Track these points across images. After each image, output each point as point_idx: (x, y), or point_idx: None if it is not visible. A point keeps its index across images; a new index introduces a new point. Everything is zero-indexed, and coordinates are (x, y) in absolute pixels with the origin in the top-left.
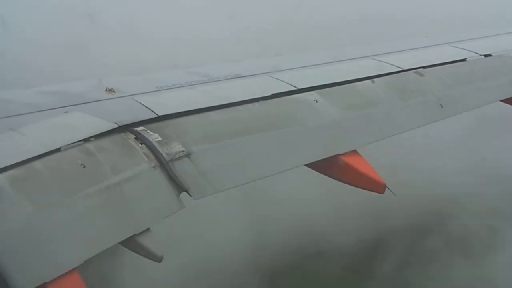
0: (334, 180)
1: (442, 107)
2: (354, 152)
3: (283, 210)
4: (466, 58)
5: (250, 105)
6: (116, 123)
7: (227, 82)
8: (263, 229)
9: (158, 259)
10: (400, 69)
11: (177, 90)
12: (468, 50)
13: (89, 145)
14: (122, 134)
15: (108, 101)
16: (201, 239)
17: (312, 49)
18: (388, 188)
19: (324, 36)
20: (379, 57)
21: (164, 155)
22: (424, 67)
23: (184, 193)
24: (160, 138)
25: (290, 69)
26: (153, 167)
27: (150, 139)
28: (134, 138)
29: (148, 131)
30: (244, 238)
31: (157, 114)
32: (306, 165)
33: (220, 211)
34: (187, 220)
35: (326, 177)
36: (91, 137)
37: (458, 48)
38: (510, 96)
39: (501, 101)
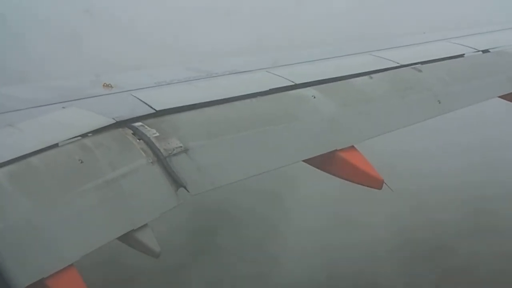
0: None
1: (440, 103)
2: (352, 148)
3: None
4: (464, 54)
5: (248, 100)
6: (113, 118)
7: (225, 77)
8: None
9: (156, 255)
10: (398, 65)
11: (175, 86)
12: (466, 46)
13: (86, 141)
14: (120, 129)
15: (105, 97)
16: None
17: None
18: (385, 183)
19: (322, 32)
20: (377, 52)
21: (161, 150)
22: (422, 63)
23: (182, 189)
24: (157, 134)
25: (288, 64)
26: (151, 162)
27: (148, 135)
28: (132, 133)
29: (146, 126)
30: None
31: (155, 110)
32: (303, 160)
33: None
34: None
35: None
36: (89, 132)
37: (456, 44)
38: (508, 92)
39: (499, 97)
